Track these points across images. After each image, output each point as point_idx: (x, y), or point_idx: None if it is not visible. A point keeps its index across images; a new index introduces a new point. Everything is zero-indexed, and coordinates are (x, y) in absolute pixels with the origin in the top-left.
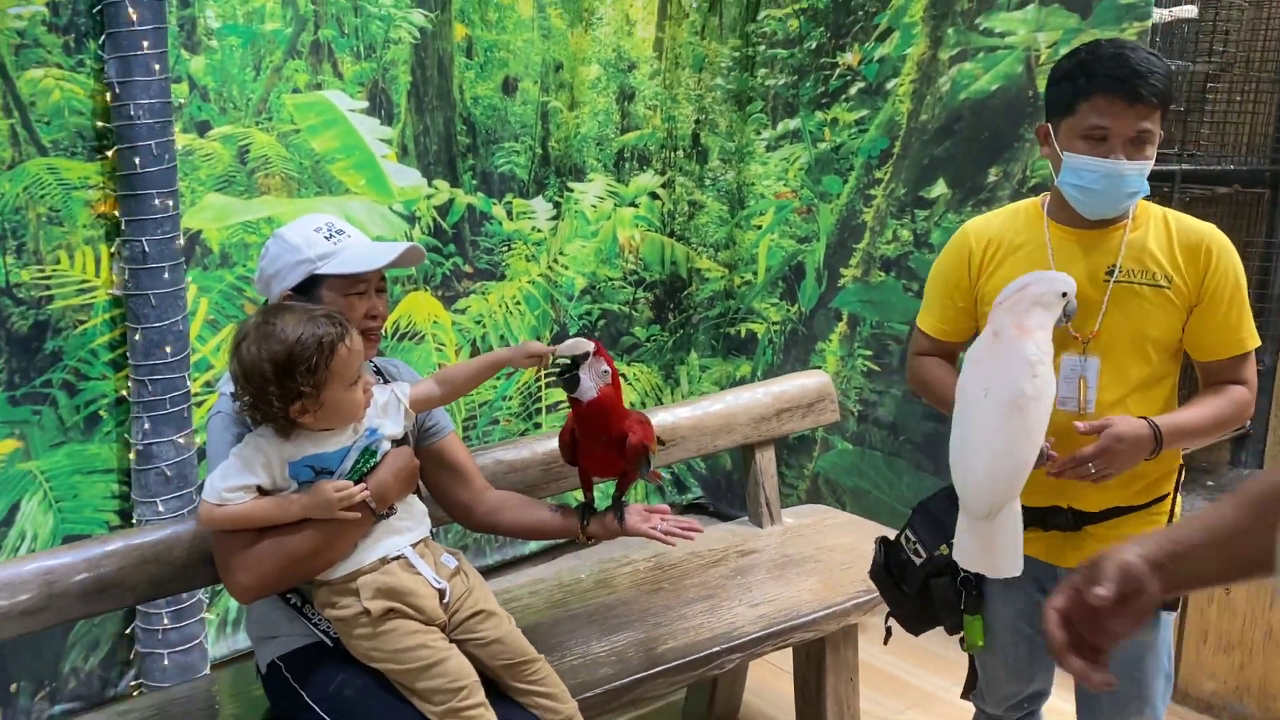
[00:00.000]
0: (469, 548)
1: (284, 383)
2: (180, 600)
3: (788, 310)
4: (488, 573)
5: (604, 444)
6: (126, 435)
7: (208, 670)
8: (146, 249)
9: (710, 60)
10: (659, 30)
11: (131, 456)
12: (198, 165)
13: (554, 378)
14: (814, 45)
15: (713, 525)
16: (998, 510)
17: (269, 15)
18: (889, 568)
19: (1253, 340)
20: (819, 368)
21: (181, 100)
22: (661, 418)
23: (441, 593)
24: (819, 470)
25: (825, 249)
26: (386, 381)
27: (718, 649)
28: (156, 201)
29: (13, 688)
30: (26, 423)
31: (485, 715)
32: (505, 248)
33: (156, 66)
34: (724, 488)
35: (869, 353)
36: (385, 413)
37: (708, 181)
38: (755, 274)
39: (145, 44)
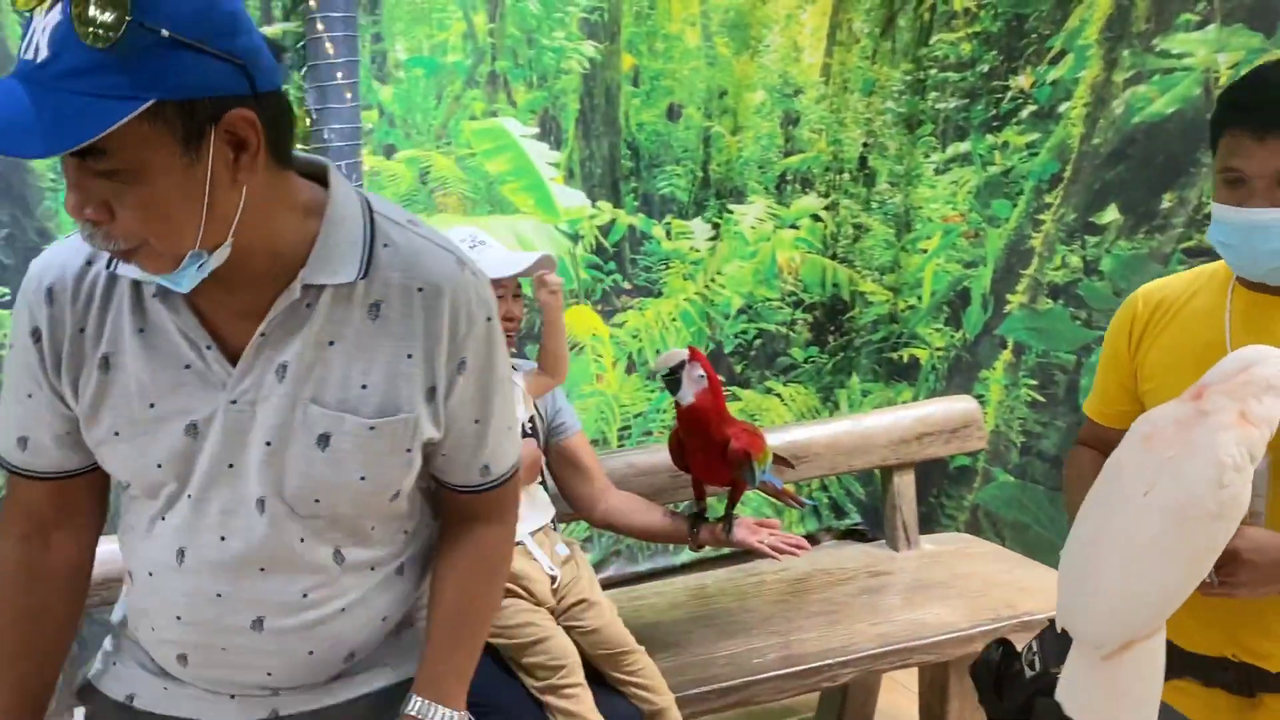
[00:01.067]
0: (621, 553)
1: None
2: None
3: (951, 336)
4: (638, 579)
5: (707, 450)
6: None
7: None
8: None
9: (881, 84)
10: (827, 56)
11: None
12: (384, 185)
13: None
14: (986, 68)
15: (847, 546)
16: (1123, 648)
17: (451, 48)
18: (998, 671)
19: None
20: (981, 396)
21: (371, 125)
22: (794, 435)
23: (553, 578)
24: (979, 502)
25: (992, 274)
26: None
27: (830, 661)
28: None
29: None
30: None
31: (581, 695)
32: (663, 266)
33: (348, 95)
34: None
35: (1034, 382)
36: None
37: (874, 204)
38: (920, 298)
39: (339, 75)
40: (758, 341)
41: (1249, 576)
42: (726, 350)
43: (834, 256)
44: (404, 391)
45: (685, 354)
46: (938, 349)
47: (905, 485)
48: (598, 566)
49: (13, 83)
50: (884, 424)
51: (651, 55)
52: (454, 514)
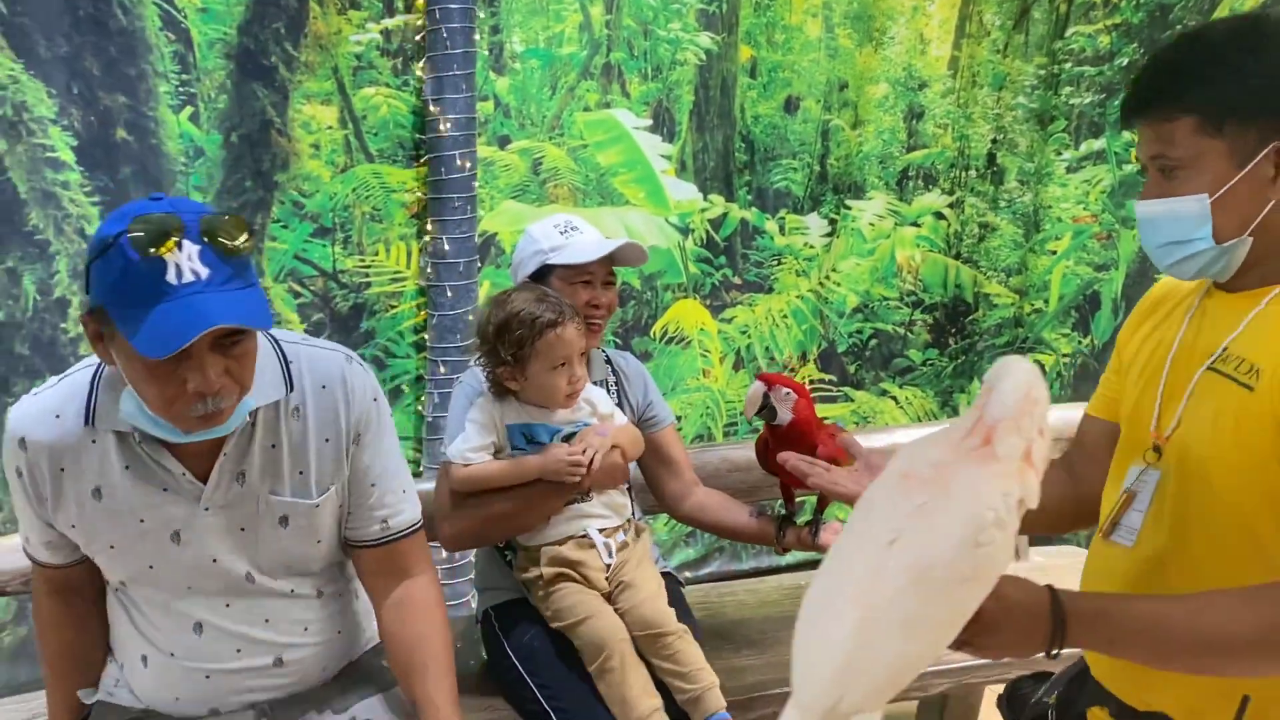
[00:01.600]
0: (725, 549)
1: (495, 346)
2: (453, 560)
3: (1079, 342)
4: (740, 577)
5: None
6: (421, 408)
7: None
8: (446, 246)
9: (1012, 79)
10: (955, 49)
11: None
12: (497, 175)
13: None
14: (1125, 62)
15: None
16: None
17: (567, 40)
18: (1012, 695)
19: None
20: None
21: (486, 116)
22: (897, 437)
23: (608, 565)
24: None
25: (1124, 278)
26: (615, 372)
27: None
28: (457, 205)
29: None
30: None
31: (623, 676)
32: (775, 262)
33: (464, 86)
34: None
35: None
36: (596, 412)
37: (1002, 203)
38: (1046, 302)
39: (455, 66)
40: (873, 341)
41: (991, 641)
42: (840, 349)
43: (957, 256)
44: (331, 467)
45: (762, 387)
46: (1064, 355)
47: None
48: (700, 561)
49: (211, 292)
50: None
51: (770, 47)
52: (371, 573)
